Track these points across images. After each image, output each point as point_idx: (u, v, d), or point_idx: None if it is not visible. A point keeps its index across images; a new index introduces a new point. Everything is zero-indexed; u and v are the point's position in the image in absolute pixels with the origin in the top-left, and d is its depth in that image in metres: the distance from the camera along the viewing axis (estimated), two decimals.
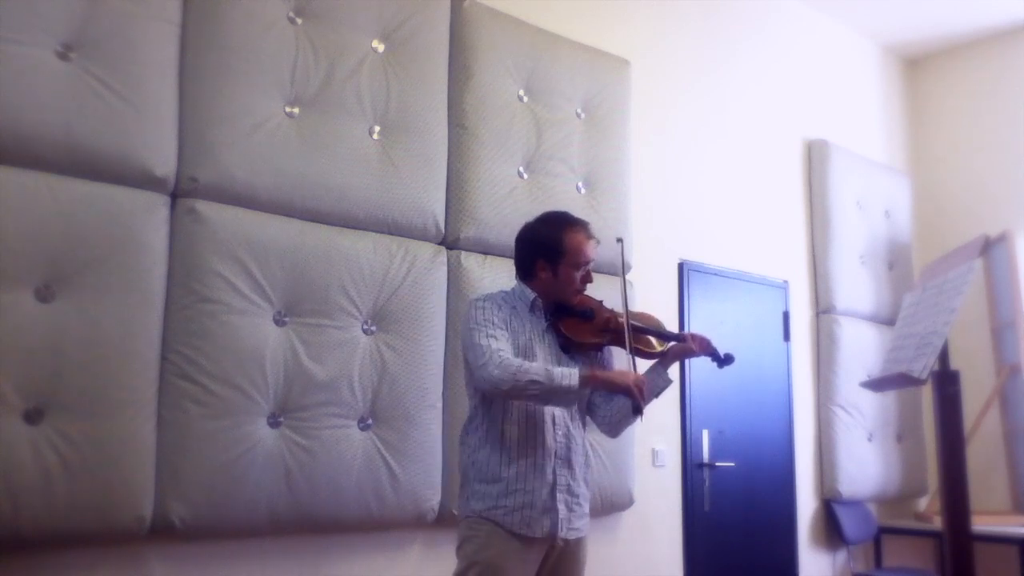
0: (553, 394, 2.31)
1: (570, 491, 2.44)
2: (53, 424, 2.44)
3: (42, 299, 2.47)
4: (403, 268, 3.17)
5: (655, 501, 4.10)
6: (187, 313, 2.70)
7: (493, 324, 2.39)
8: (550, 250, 2.48)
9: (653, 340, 2.60)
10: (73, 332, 2.49)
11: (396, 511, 3.05)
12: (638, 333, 2.56)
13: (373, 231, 3.16)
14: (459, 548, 2.41)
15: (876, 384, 2.80)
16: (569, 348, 2.53)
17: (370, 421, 3.05)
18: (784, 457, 4.76)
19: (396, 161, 3.21)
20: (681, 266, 4.42)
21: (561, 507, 2.40)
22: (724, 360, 2.61)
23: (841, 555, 5.00)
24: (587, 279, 2.53)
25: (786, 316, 4.92)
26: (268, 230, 2.89)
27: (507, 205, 3.49)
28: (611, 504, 3.77)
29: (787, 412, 4.82)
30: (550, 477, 2.40)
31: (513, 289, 2.58)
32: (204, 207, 2.77)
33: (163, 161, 2.71)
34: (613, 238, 3.85)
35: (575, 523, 2.45)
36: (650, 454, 4.12)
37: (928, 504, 5.37)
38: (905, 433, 5.35)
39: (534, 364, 2.33)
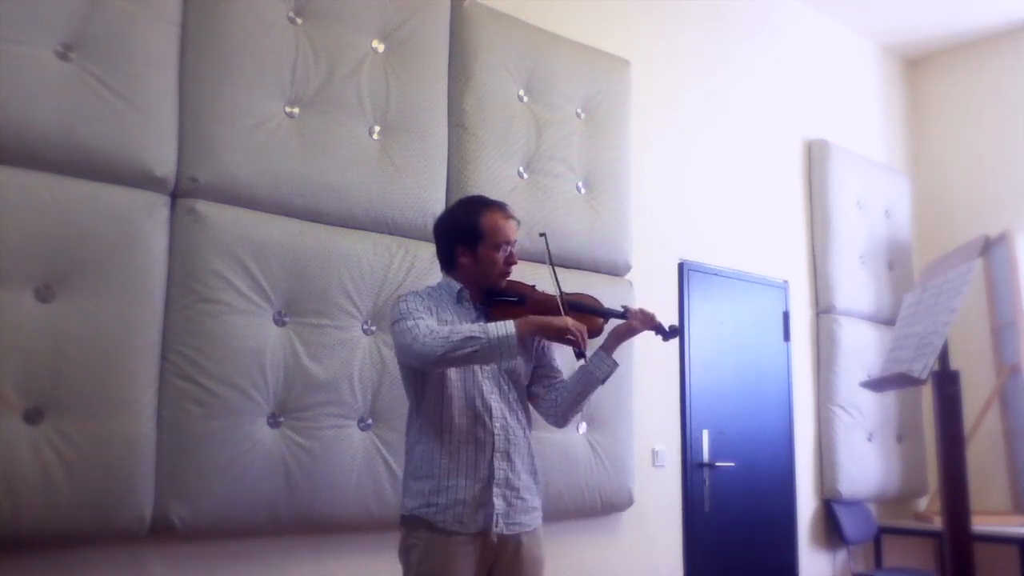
0: (493, 348, 2.18)
1: (509, 484, 2.35)
2: (53, 424, 2.44)
3: (42, 299, 2.47)
4: (403, 268, 3.17)
5: (655, 501, 4.10)
6: (187, 313, 2.70)
7: (418, 311, 2.33)
8: (467, 234, 2.41)
9: (595, 319, 2.50)
10: (73, 332, 2.49)
11: (396, 511, 3.02)
12: (576, 313, 2.45)
13: (373, 231, 3.16)
14: (401, 554, 2.37)
15: (876, 384, 2.80)
16: None
17: (370, 421, 3.06)
18: (784, 457, 4.76)
19: (396, 161, 3.22)
20: (681, 266, 4.42)
21: (498, 501, 2.32)
22: (669, 333, 2.53)
23: (841, 555, 5.00)
24: (511, 261, 2.45)
25: (786, 316, 4.92)
26: (268, 230, 2.89)
27: None
28: (611, 504, 3.77)
29: (787, 412, 4.82)
30: (484, 472, 2.32)
31: (439, 283, 2.52)
32: (204, 207, 2.77)
33: (163, 161, 2.71)
34: (611, 236, 3.89)
35: (516, 517, 2.35)
36: (650, 454, 4.12)
37: (928, 504, 5.37)
38: (905, 433, 5.35)
39: (465, 325, 2.27)
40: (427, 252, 3.27)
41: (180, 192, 2.77)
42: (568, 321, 2.27)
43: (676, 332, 2.55)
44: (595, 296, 2.59)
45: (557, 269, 2.48)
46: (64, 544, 2.49)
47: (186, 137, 2.78)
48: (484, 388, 2.38)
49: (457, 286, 2.46)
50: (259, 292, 2.84)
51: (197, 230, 2.74)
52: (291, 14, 3.04)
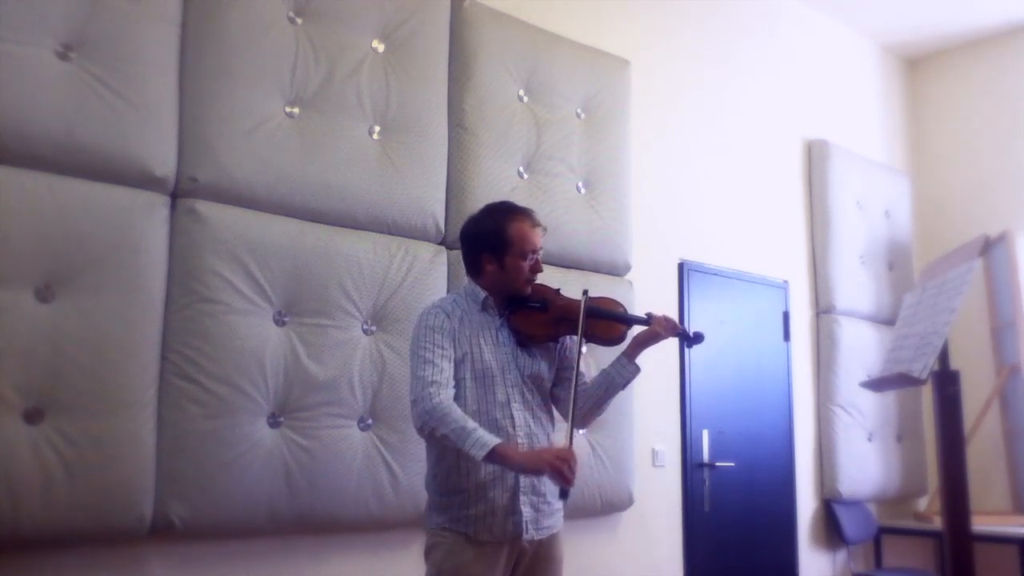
0: (460, 454, 2.22)
1: (535, 491, 2.34)
2: (53, 424, 2.44)
3: (42, 299, 2.47)
4: (403, 268, 3.17)
5: (655, 501, 4.10)
6: (187, 313, 2.70)
7: (434, 343, 2.31)
8: (494, 242, 2.40)
9: (617, 326, 2.50)
10: (73, 332, 2.49)
11: (396, 511, 3.05)
12: (600, 319, 2.47)
13: (373, 231, 3.16)
14: (427, 554, 2.37)
15: (876, 384, 2.80)
16: (524, 343, 2.44)
17: (370, 421, 3.05)
18: (784, 457, 4.76)
19: (396, 161, 3.21)
20: (681, 266, 4.42)
21: (526, 509, 2.32)
22: (693, 339, 2.54)
23: (841, 555, 5.00)
24: (536, 268, 2.44)
25: (786, 316, 4.92)
26: (268, 230, 2.89)
27: None
28: (611, 504, 3.77)
29: (787, 412, 4.82)
30: (511, 481, 2.32)
31: (464, 289, 2.50)
32: (204, 207, 2.77)
33: (163, 161, 2.71)
34: (611, 236, 3.89)
35: (543, 522, 2.37)
36: (650, 454, 4.12)
37: (928, 504, 5.37)
38: (905, 433, 5.35)
39: (457, 417, 2.20)
40: (427, 252, 3.27)
41: (180, 192, 2.77)
42: (546, 458, 2.18)
43: (700, 339, 2.56)
44: (619, 301, 2.60)
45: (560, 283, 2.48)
46: (64, 544, 2.49)
47: (186, 137, 2.78)
48: (509, 397, 2.37)
49: (482, 294, 2.45)
50: (259, 292, 2.84)
51: (197, 230, 2.74)
52: (291, 14, 3.04)
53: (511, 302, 2.45)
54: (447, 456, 2.35)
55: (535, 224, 2.44)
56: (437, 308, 2.41)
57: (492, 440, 2.17)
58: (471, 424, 2.20)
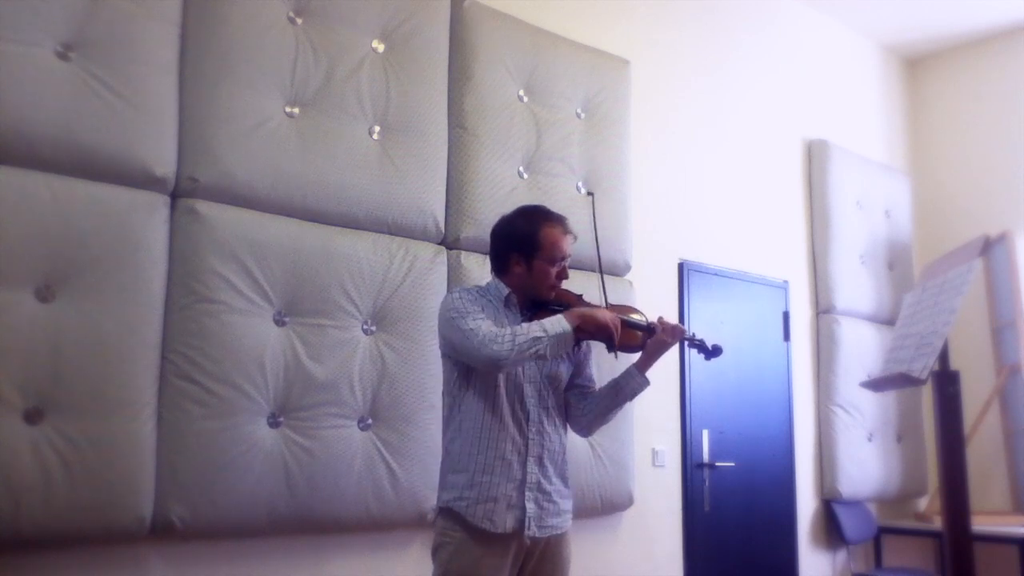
0: (554, 346, 2.28)
1: (540, 488, 2.38)
2: (53, 424, 2.44)
3: (42, 299, 2.47)
4: (403, 268, 3.18)
5: (655, 501, 4.10)
6: (187, 313, 2.70)
7: (470, 310, 2.35)
8: (525, 244, 2.44)
9: (638, 334, 2.52)
10: (73, 332, 2.49)
11: (396, 511, 3.05)
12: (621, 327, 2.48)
13: (373, 231, 3.16)
14: (434, 554, 2.39)
15: (876, 384, 2.79)
16: None
17: (370, 421, 3.05)
18: (784, 457, 4.76)
19: (396, 161, 3.22)
20: (681, 266, 4.42)
21: (530, 505, 2.35)
22: (712, 352, 2.56)
23: (841, 555, 5.00)
24: (562, 275, 2.48)
25: (786, 316, 4.92)
26: (268, 230, 2.89)
27: (507, 205, 3.46)
28: (611, 504, 3.77)
29: (787, 412, 4.82)
30: (518, 473, 2.36)
31: (488, 284, 2.54)
32: (204, 207, 2.77)
33: (163, 161, 2.71)
34: (611, 236, 3.88)
35: (548, 520, 2.39)
36: (650, 454, 4.12)
37: (928, 504, 5.37)
38: (905, 433, 5.35)
39: (523, 325, 2.31)
40: (427, 252, 3.27)
41: (180, 192, 2.77)
42: (609, 316, 2.36)
43: (718, 352, 2.56)
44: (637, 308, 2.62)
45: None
46: (64, 544, 2.49)
47: (186, 137, 2.78)
48: (525, 392, 2.41)
49: (506, 291, 2.48)
50: (259, 292, 2.84)
51: (197, 230, 2.74)
52: (291, 14, 3.04)
53: (534, 304, 2.49)
54: (461, 435, 2.38)
55: (567, 231, 2.48)
56: (465, 291, 2.48)
57: (557, 315, 2.33)
58: (536, 321, 2.33)
